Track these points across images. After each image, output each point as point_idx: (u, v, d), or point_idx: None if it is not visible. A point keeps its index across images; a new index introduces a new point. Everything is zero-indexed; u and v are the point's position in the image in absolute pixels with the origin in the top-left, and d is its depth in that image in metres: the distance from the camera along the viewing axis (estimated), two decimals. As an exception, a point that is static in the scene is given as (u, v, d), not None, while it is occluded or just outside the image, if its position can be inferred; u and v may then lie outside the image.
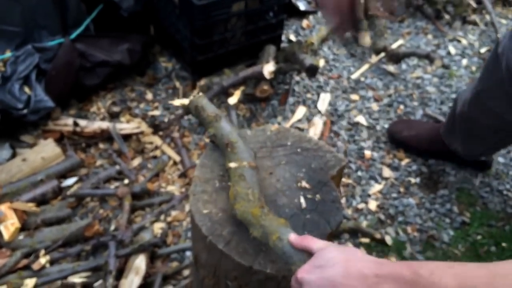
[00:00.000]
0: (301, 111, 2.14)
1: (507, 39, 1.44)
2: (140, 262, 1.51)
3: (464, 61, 2.53)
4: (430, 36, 2.69)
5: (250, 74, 2.03)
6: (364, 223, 1.75)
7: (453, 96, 2.30)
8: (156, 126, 2.01)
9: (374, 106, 2.22)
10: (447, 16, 2.79)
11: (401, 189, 1.89)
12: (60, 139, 1.91)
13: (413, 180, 1.92)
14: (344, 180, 1.89)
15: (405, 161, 1.99)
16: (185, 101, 1.05)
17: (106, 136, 1.93)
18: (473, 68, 2.50)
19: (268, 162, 1.02)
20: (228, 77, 2.07)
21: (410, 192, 1.88)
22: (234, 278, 0.91)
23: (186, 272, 1.55)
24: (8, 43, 1.91)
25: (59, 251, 1.55)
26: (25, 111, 1.81)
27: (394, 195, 1.86)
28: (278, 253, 0.79)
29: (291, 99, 2.19)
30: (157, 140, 1.97)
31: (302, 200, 0.95)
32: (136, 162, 1.89)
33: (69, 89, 2.00)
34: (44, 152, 1.80)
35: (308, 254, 0.75)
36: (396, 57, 2.42)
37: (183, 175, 1.85)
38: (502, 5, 3.02)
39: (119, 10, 2.00)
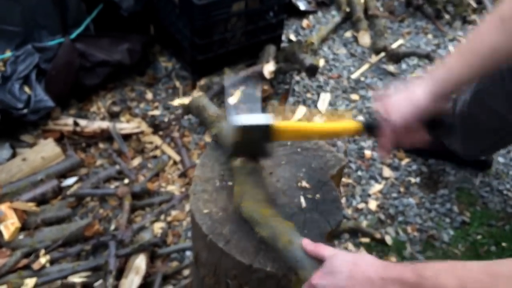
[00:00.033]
0: (301, 110, 2.14)
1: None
2: (140, 261, 1.51)
3: (464, 61, 2.53)
4: (430, 36, 2.69)
5: (250, 74, 2.03)
6: (364, 223, 1.75)
7: (453, 96, 2.29)
8: (156, 126, 2.01)
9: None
10: (447, 16, 2.79)
11: (401, 189, 1.88)
12: (60, 138, 1.91)
13: (413, 180, 1.92)
14: (344, 179, 1.89)
15: (405, 161, 1.99)
16: (185, 101, 1.05)
17: (106, 135, 1.93)
18: (473, 68, 2.49)
19: (268, 161, 1.02)
20: (228, 77, 2.07)
21: (410, 192, 1.88)
22: (234, 276, 0.91)
23: (186, 272, 1.55)
24: (8, 43, 1.92)
25: (59, 250, 1.55)
26: (25, 110, 1.81)
27: (394, 194, 1.86)
28: (288, 256, 0.79)
29: (291, 99, 2.19)
30: (157, 140, 1.97)
31: (302, 199, 0.95)
32: (136, 161, 1.89)
33: (69, 89, 2.00)
34: (44, 151, 1.80)
35: (318, 261, 0.77)
36: (396, 57, 2.42)
37: (183, 174, 1.85)
38: (502, 5, 3.02)
39: (119, 10, 2.00)
